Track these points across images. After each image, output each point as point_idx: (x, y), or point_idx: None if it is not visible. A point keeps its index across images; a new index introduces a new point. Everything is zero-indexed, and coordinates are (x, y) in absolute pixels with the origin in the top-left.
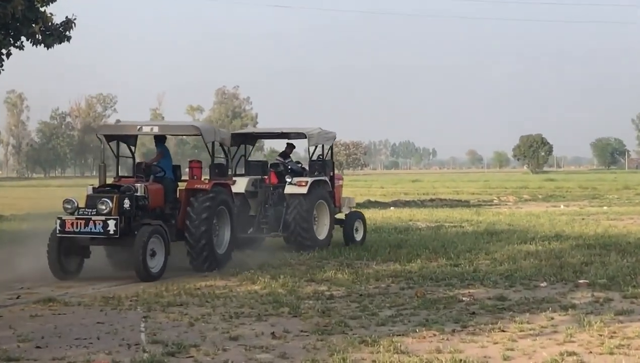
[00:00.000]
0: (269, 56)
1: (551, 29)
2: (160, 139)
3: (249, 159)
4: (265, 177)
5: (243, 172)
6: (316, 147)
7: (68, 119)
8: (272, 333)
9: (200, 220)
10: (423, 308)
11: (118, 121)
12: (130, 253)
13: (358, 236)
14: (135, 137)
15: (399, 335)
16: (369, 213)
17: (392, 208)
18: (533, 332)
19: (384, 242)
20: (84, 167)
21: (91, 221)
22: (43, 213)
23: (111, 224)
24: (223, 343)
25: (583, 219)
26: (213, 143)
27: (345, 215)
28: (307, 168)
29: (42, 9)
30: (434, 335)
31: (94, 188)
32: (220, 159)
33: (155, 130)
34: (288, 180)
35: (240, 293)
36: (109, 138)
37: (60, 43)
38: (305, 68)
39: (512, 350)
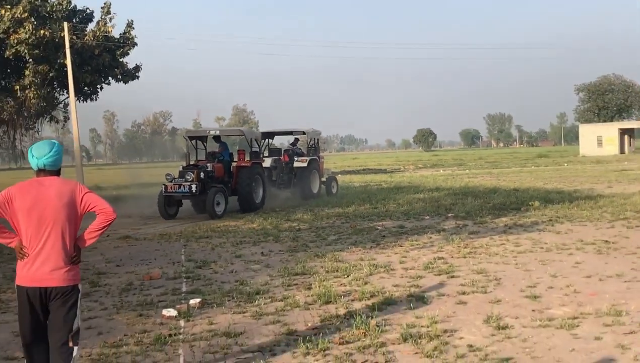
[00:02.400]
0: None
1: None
2: (219, 138)
3: (271, 147)
4: (281, 157)
5: (267, 155)
6: (311, 139)
7: (142, 127)
8: (262, 252)
9: (244, 183)
10: (354, 234)
11: (200, 126)
12: (204, 203)
13: (334, 190)
14: (206, 137)
15: (339, 251)
16: None
17: (339, 174)
18: (418, 246)
19: (333, 196)
20: (153, 156)
21: (182, 185)
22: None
23: (193, 187)
24: (231, 259)
25: (453, 178)
26: (251, 139)
27: (326, 178)
28: (305, 152)
29: (121, 60)
30: (360, 250)
31: (182, 166)
32: (255, 148)
33: (217, 133)
34: (295, 158)
35: (244, 229)
36: (190, 138)
37: (132, 80)
38: (288, 84)
39: (405, 257)
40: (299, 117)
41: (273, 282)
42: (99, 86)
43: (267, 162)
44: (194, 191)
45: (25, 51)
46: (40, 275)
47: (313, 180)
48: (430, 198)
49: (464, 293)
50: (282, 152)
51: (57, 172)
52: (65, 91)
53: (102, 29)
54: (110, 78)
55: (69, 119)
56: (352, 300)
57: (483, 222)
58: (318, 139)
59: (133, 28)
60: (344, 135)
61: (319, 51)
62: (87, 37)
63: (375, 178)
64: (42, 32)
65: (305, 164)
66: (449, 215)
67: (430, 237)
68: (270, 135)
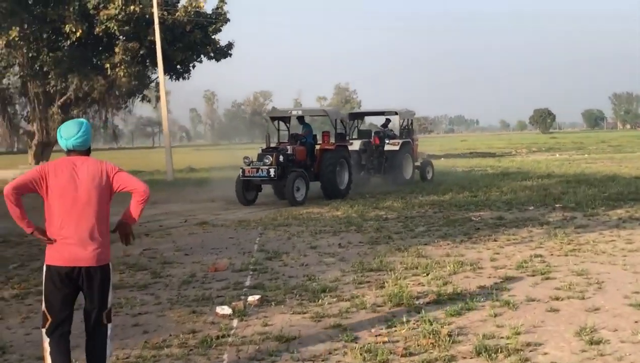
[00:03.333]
0: (369, 58)
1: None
2: (301, 119)
3: (360, 128)
4: (371, 140)
5: (356, 137)
6: (404, 120)
7: (242, 107)
8: (339, 244)
9: (328, 167)
10: (445, 225)
11: (274, 108)
12: (284, 189)
13: (429, 176)
14: (289, 118)
15: (425, 244)
16: None
17: (442, 159)
18: (515, 241)
19: (428, 182)
20: (253, 137)
21: (260, 169)
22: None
23: (272, 171)
24: (305, 251)
25: (569, 163)
26: (336, 120)
27: (420, 162)
28: (397, 134)
29: (213, 37)
30: (448, 244)
31: (262, 149)
32: (341, 130)
33: (300, 113)
34: (387, 141)
35: (327, 217)
36: (272, 119)
37: (224, 58)
38: (393, 63)
39: (498, 254)
40: (404, 96)
41: (344, 279)
42: (191, 64)
43: (356, 145)
44: (272, 176)
45: (115, 28)
46: (74, 255)
47: (406, 164)
48: (539, 186)
49: (557, 298)
50: (373, 134)
51: (86, 152)
52: (156, 69)
53: (194, 4)
54: (202, 56)
55: (159, 99)
56: (428, 303)
57: (594, 214)
58: (412, 120)
59: (225, 3)
60: (454, 115)
61: (427, 25)
62: (178, 13)
63: (482, 162)
64: (131, 7)
65: (397, 147)
66: (557, 205)
67: (531, 231)
68: (359, 115)
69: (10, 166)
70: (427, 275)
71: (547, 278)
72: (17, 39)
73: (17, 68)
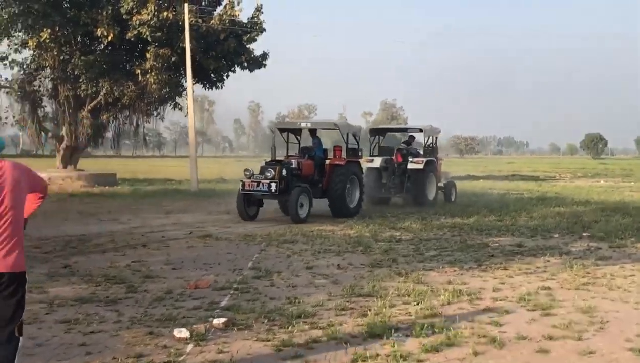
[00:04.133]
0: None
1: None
2: (313, 132)
3: (382, 145)
4: (393, 157)
5: (377, 154)
6: (429, 137)
7: (287, 119)
8: (338, 265)
9: (337, 184)
10: (458, 250)
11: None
12: (287, 204)
13: (452, 197)
14: (299, 130)
15: (429, 269)
16: (464, 184)
17: (481, 180)
18: (527, 271)
19: (460, 203)
20: (296, 149)
21: (260, 183)
22: None
23: (273, 185)
24: (300, 271)
25: (612, 191)
26: (347, 134)
27: (445, 183)
28: (421, 152)
29: (247, 46)
30: (454, 270)
31: (265, 161)
32: (353, 145)
33: (308, 125)
34: (410, 159)
35: (337, 235)
36: (281, 130)
37: (259, 68)
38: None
39: (503, 283)
40: (451, 114)
41: (328, 303)
42: (224, 74)
43: (377, 162)
44: (273, 190)
45: (147, 33)
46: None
47: (429, 184)
48: (571, 213)
49: (551, 338)
50: (395, 151)
51: None
52: (192, 78)
53: (229, 12)
54: (236, 65)
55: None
56: (407, 336)
57: (621, 245)
58: (437, 138)
59: (262, 12)
60: (503, 136)
61: (475, 44)
62: (212, 21)
63: (521, 186)
64: (164, 13)
65: (420, 166)
66: (584, 234)
67: (548, 261)
68: (381, 131)
69: (37, 169)
70: (418, 304)
71: (547, 314)
72: (48, 41)
73: (48, 70)
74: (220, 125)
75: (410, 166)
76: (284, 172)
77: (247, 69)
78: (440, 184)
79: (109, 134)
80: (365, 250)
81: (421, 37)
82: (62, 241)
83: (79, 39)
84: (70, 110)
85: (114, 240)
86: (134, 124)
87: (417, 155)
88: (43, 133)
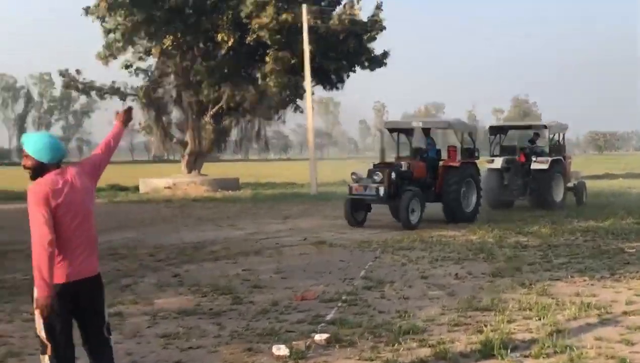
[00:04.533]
0: (551, 69)
1: None
2: (426, 132)
3: (503, 144)
4: (516, 157)
5: (499, 154)
6: (554, 135)
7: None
8: (456, 274)
9: (451, 187)
10: (590, 257)
11: (475, 119)
12: (397, 210)
13: (584, 198)
14: (411, 130)
15: (556, 279)
16: (601, 183)
17: (620, 179)
18: None
19: (595, 204)
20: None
21: (368, 187)
22: None
23: (381, 190)
24: (414, 281)
25: None
26: (463, 134)
27: (574, 184)
28: (547, 151)
29: (367, 45)
30: (584, 280)
31: (374, 164)
32: (469, 145)
33: (420, 125)
34: (533, 159)
35: (459, 241)
36: (391, 131)
37: (380, 67)
38: (577, 74)
39: (638, 296)
40: (588, 109)
41: (440, 318)
42: (345, 74)
43: (497, 163)
44: (381, 195)
45: (267, 36)
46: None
47: (555, 185)
48: None
49: None
50: (518, 150)
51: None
52: (312, 79)
53: (349, 11)
54: (356, 65)
55: (314, 108)
56: (525, 357)
57: None
58: (564, 135)
59: (381, 10)
60: None
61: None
62: (332, 21)
63: None
64: (284, 16)
65: (545, 166)
66: None
67: None
68: (501, 129)
69: (163, 174)
70: (541, 319)
71: None
72: (170, 47)
73: (172, 77)
74: (346, 127)
75: (534, 166)
76: (393, 175)
77: (368, 69)
78: (570, 185)
79: (233, 139)
80: (487, 258)
81: (554, 29)
82: (176, 249)
83: (200, 45)
84: (194, 116)
85: (228, 247)
86: (256, 127)
87: (541, 154)
88: (168, 139)
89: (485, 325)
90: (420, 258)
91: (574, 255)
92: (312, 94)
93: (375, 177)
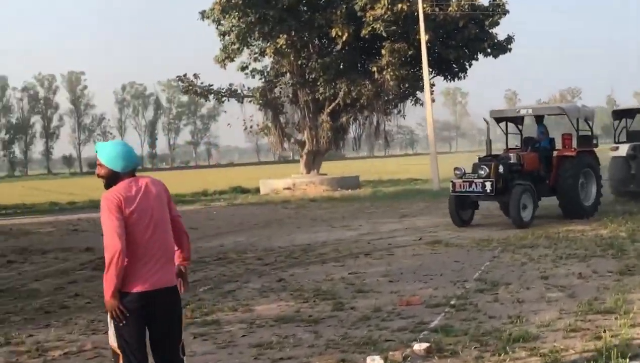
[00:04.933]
0: None
1: None
2: (538, 119)
3: (630, 129)
4: None
5: (626, 140)
6: None
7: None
8: (580, 273)
9: (567, 179)
10: None
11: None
12: (507, 206)
13: None
14: (520, 118)
15: None
16: None
17: None
18: None
19: None
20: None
21: (473, 183)
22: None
23: (488, 185)
24: (533, 281)
25: None
26: (578, 119)
27: None
28: None
29: (490, 31)
30: None
31: (479, 158)
32: (586, 131)
33: (530, 112)
34: None
35: (588, 236)
36: (498, 120)
37: (503, 53)
38: None
39: None
40: None
41: (557, 323)
42: (467, 62)
43: (623, 150)
44: (488, 191)
45: (382, 28)
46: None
47: None
48: None
49: None
50: None
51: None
52: (432, 70)
53: None
54: (478, 53)
55: (434, 101)
56: None
57: None
58: None
59: None
60: None
61: None
62: (450, 8)
63: None
64: (399, 6)
65: None
66: None
67: None
68: (628, 113)
69: (284, 175)
70: None
71: None
72: (284, 46)
73: (287, 76)
74: (475, 118)
75: None
76: (501, 169)
77: (491, 55)
78: None
79: (352, 136)
80: (617, 254)
81: None
82: (286, 251)
83: (315, 41)
84: (310, 115)
85: (338, 249)
86: (374, 123)
87: None
88: (286, 139)
89: (605, 330)
90: (542, 256)
91: None
92: (433, 85)
93: (481, 171)
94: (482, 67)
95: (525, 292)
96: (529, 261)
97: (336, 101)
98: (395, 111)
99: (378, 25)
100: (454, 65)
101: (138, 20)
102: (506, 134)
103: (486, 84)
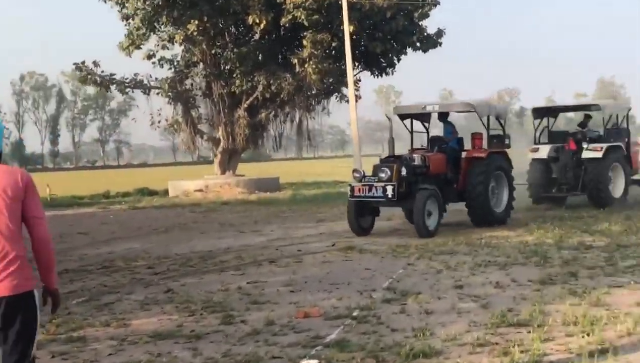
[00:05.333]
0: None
1: None
2: (443, 116)
3: (551, 129)
4: (565, 144)
5: (547, 141)
6: (610, 116)
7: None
8: (497, 282)
9: (475, 183)
10: None
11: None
12: (411, 213)
13: None
14: (427, 115)
15: (617, 286)
16: None
17: None
18: None
19: None
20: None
21: (373, 187)
22: None
23: (389, 189)
24: (446, 291)
25: None
26: (488, 117)
27: None
28: (604, 135)
29: (419, 23)
30: None
31: (380, 159)
32: (498, 131)
33: (437, 108)
34: (585, 146)
35: (512, 243)
36: (402, 117)
37: (434, 48)
38: None
39: None
40: None
41: (465, 336)
42: (395, 57)
43: (543, 151)
44: (390, 196)
45: (303, 17)
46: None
47: (615, 178)
48: None
49: None
50: (567, 136)
51: None
52: (358, 64)
53: None
54: (407, 46)
55: (360, 98)
56: None
57: None
58: (627, 117)
59: None
60: None
61: None
62: None
63: None
64: None
65: (599, 154)
66: None
67: None
68: (549, 112)
69: (197, 176)
70: (585, 336)
71: None
72: (195, 33)
73: (200, 67)
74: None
75: (585, 155)
76: (404, 171)
77: (420, 50)
78: (637, 177)
79: (272, 134)
80: (539, 262)
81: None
82: (182, 259)
83: (231, 29)
84: (226, 110)
85: (241, 257)
86: (297, 120)
87: (597, 140)
88: (199, 136)
89: (515, 345)
90: (460, 264)
91: None
92: (359, 80)
93: (382, 174)
94: (417, 64)
95: (436, 303)
96: (445, 269)
97: (254, 95)
98: (320, 108)
99: (299, 14)
100: (381, 59)
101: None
102: (411, 132)
103: (421, 81)
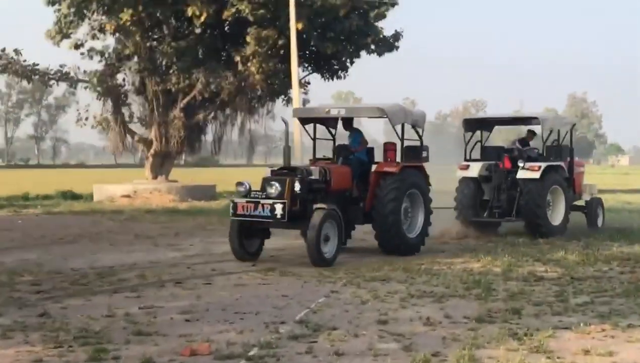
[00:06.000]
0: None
1: None
2: (349, 122)
3: (484, 144)
4: (500, 162)
5: (479, 157)
6: (551, 132)
7: (448, 119)
8: (427, 318)
9: (387, 202)
10: (623, 296)
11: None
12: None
13: (599, 222)
14: (333, 120)
15: (564, 328)
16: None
17: None
18: None
19: (601, 229)
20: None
21: (260, 204)
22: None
23: (278, 208)
24: (366, 327)
25: None
26: (403, 125)
27: (586, 201)
28: (543, 153)
29: (375, 24)
30: (603, 330)
31: (272, 170)
32: (412, 142)
33: (342, 112)
34: (520, 164)
35: (454, 270)
36: (304, 121)
37: (389, 52)
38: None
39: None
40: None
41: None
42: (347, 60)
43: (474, 169)
44: (279, 215)
45: (247, 11)
46: None
47: (554, 202)
48: None
49: None
50: (502, 153)
51: None
52: (308, 66)
53: None
54: (360, 49)
55: (308, 101)
56: None
57: None
58: (570, 132)
59: None
60: None
61: None
62: None
63: None
64: None
65: (536, 175)
66: None
67: None
68: (482, 124)
69: (122, 180)
70: None
71: None
72: (128, 23)
73: (133, 60)
74: (369, 126)
75: (520, 175)
76: (297, 187)
77: (375, 53)
78: (580, 202)
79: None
80: (482, 295)
81: (615, 21)
82: (76, 275)
83: (171, 21)
84: (160, 109)
85: (144, 275)
86: (238, 123)
87: (536, 158)
88: (128, 136)
89: None
90: (391, 293)
91: (600, 292)
92: (307, 83)
93: (271, 190)
94: (380, 70)
95: (351, 341)
96: (373, 299)
97: (192, 94)
98: (264, 111)
99: (244, 7)
100: (333, 61)
101: None
102: (314, 139)
103: (383, 88)
